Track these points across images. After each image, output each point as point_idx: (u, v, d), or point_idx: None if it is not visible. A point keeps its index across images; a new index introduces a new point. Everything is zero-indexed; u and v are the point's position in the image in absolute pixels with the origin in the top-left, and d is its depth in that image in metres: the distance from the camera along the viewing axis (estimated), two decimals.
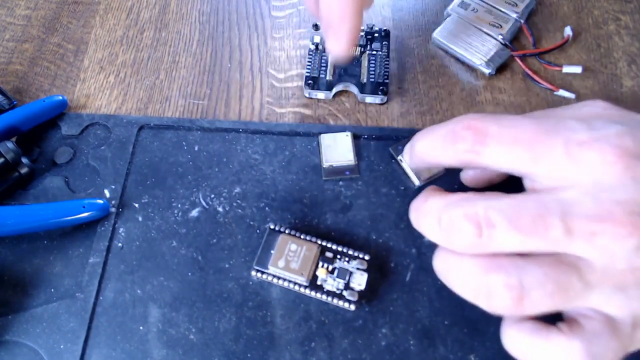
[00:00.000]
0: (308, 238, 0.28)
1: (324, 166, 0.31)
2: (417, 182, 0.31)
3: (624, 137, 0.21)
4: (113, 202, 0.31)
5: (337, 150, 0.32)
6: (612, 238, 0.20)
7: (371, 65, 0.35)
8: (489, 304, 0.22)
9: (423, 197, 0.25)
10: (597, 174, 0.21)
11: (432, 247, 0.29)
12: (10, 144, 0.30)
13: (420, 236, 0.29)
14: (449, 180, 0.31)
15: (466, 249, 0.22)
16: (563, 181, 0.21)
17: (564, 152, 0.21)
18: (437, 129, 0.24)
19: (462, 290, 0.23)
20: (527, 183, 0.23)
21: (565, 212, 0.21)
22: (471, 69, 0.36)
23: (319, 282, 0.27)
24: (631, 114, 0.24)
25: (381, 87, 0.34)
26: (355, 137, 0.32)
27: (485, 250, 0.22)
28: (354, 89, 0.34)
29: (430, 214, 0.23)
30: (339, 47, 0.28)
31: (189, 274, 0.28)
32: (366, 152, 0.32)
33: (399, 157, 0.31)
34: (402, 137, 0.32)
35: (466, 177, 0.29)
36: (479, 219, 0.21)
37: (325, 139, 0.32)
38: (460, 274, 0.23)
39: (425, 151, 0.25)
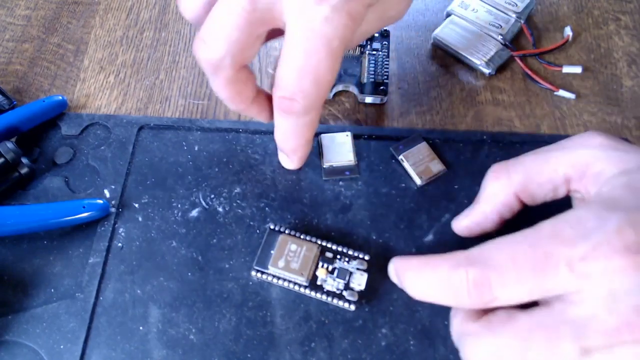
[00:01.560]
0: (308, 238, 0.28)
1: (324, 166, 0.31)
2: (419, 182, 0.31)
3: (624, 232, 0.20)
4: (113, 202, 0.31)
5: (337, 150, 0.32)
6: (632, 346, 0.19)
7: (371, 65, 0.35)
8: None
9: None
10: (608, 283, 0.20)
11: (432, 246, 0.29)
12: (10, 144, 0.30)
13: (420, 236, 0.29)
14: (450, 179, 0.31)
15: None
16: (575, 296, 0.20)
17: (570, 272, 0.20)
18: (427, 273, 0.23)
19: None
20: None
21: (579, 334, 0.20)
22: (471, 69, 0.36)
23: (319, 282, 0.27)
24: (635, 150, 0.23)
25: (381, 87, 0.34)
26: (355, 137, 0.32)
27: None
28: (353, 89, 0.34)
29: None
30: (290, 166, 0.31)
31: (189, 274, 0.28)
32: (366, 152, 0.32)
33: (400, 157, 0.31)
34: (402, 137, 0.32)
35: (459, 227, 0.28)
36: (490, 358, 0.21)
37: (325, 139, 0.32)
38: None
39: (424, 295, 0.23)
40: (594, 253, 0.20)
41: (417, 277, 0.23)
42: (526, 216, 0.25)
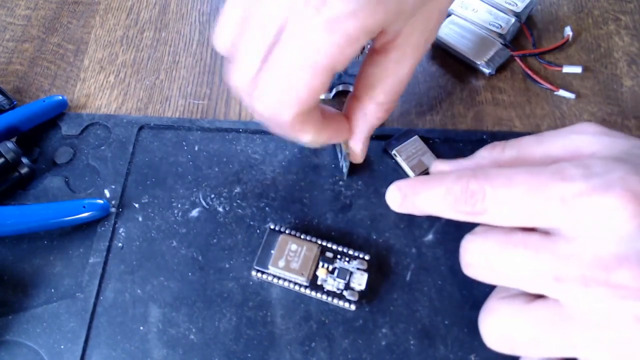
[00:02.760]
0: (308, 238, 0.28)
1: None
2: (412, 175, 0.31)
3: (627, 179, 0.20)
4: (113, 202, 0.31)
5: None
6: (604, 289, 0.20)
7: None
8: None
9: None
10: (598, 222, 0.20)
11: (432, 246, 0.29)
12: (10, 144, 0.30)
13: (420, 236, 0.29)
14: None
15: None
16: (563, 230, 0.21)
17: (562, 205, 0.20)
18: (435, 184, 0.24)
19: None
20: None
21: (556, 261, 0.21)
22: (471, 68, 0.36)
23: (319, 282, 0.27)
24: (626, 138, 0.23)
25: None
26: None
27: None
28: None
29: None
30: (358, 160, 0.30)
31: (189, 274, 0.28)
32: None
33: (393, 152, 0.31)
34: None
35: (435, 167, 0.29)
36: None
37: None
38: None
39: (425, 206, 0.25)
40: (591, 192, 0.20)
41: (424, 188, 0.25)
42: None
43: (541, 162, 0.25)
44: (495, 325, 0.23)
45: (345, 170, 0.31)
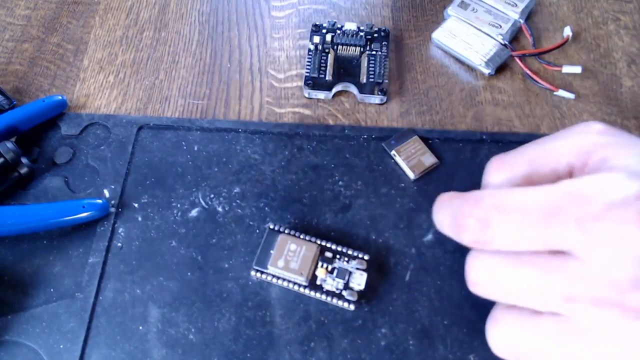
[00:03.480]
0: (307, 238, 0.28)
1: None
2: (412, 176, 0.31)
3: None
4: (113, 202, 0.31)
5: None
6: (617, 312, 0.19)
7: (371, 65, 0.35)
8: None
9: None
10: (614, 247, 0.19)
11: (432, 247, 0.29)
12: (10, 144, 0.30)
13: (420, 236, 0.29)
14: (450, 179, 0.31)
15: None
16: (577, 252, 0.20)
17: (578, 229, 0.20)
18: (445, 206, 0.23)
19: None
20: None
21: (568, 281, 0.20)
22: (471, 69, 0.36)
23: (318, 282, 0.27)
24: (630, 138, 0.22)
25: (381, 87, 0.34)
26: (355, 137, 0.32)
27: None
28: (353, 89, 0.34)
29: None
30: None
31: (189, 274, 0.28)
32: (366, 152, 0.32)
33: (393, 152, 0.31)
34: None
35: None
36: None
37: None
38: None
39: (439, 226, 0.24)
40: (607, 214, 0.19)
41: (437, 208, 0.24)
42: None
43: (553, 173, 0.24)
44: (502, 334, 0.23)
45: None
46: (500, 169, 0.25)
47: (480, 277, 0.22)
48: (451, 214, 0.23)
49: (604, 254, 0.19)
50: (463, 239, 0.22)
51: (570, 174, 0.24)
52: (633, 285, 0.19)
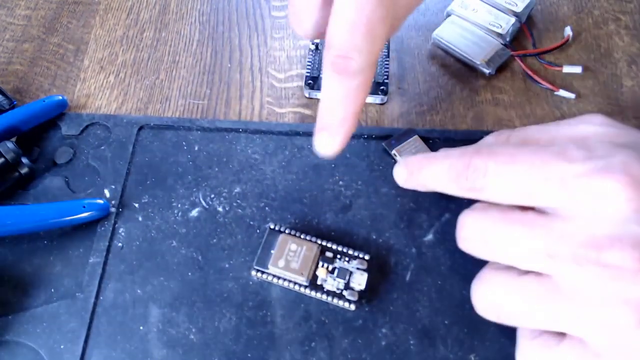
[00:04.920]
0: (308, 238, 0.28)
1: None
2: None
3: (629, 164, 0.20)
4: (113, 202, 0.31)
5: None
6: (595, 268, 0.20)
7: None
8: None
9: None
10: (596, 205, 0.20)
11: (432, 246, 0.29)
12: (10, 144, 0.30)
13: (420, 236, 0.29)
14: None
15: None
16: (559, 211, 0.21)
17: (562, 185, 0.21)
18: (439, 160, 0.25)
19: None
20: None
21: (548, 236, 0.21)
22: (471, 69, 0.36)
23: (319, 282, 0.27)
24: (631, 130, 0.23)
25: (381, 87, 0.34)
26: (355, 137, 0.32)
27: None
28: None
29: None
30: (331, 150, 0.26)
31: (189, 273, 0.28)
32: (366, 152, 0.32)
33: (393, 152, 0.31)
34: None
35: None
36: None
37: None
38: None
39: (429, 181, 0.26)
40: (591, 173, 0.20)
41: (428, 163, 0.26)
42: None
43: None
44: (486, 293, 0.24)
45: None
46: (499, 135, 0.27)
47: (469, 233, 0.24)
48: (450, 163, 0.24)
49: (585, 212, 0.20)
50: (461, 185, 0.24)
51: None
52: (610, 242, 0.20)
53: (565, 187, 0.21)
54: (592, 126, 0.24)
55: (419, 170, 0.26)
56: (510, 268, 0.23)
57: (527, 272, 0.22)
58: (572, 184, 0.21)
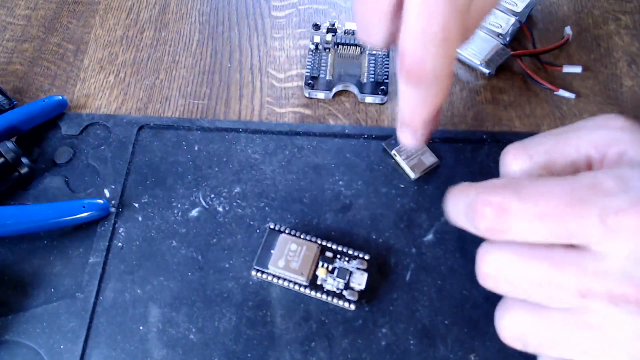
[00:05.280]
0: (308, 238, 0.28)
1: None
2: (412, 175, 0.31)
3: None
4: (113, 202, 0.31)
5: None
6: (633, 310, 0.19)
7: (371, 65, 0.35)
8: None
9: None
10: (635, 244, 0.19)
11: (432, 247, 0.29)
12: (10, 144, 0.30)
13: (420, 236, 0.29)
14: (450, 179, 0.31)
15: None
16: (596, 247, 0.20)
17: (601, 223, 0.19)
18: (459, 197, 0.23)
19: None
20: None
21: (583, 275, 0.19)
22: (471, 69, 0.36)
23: (319, 282, 0.27)
24: None
25: (381, 87, 0.34)
26: (355, 137, 0.32)
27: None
28: (354, 89, 0.34)
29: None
30: (414, 143, 0.27)
31: (189, 274, 0.28)
32: (366, 152, 0.32)
33: (393, 152, 0.31)
34: None
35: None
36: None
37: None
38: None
39: (452, 218, 0.23)
40: (630, 209, 0.19)
41: (452, 198, 0.23)
42: None
43: (572, 165, 0.23)
44: (512, 323, 0.22)
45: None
46: (518, 157, 0.24)
47: (492, 271, 0.21)
48: (468, 202, 0.22)
49: (624, 249, 0.19)
50: (479, 226, 0.21)
51: (588, 167, 0.23)
52: None
53: (604, 224, 0.19)
54: (613, 131, 0.22)
55: (446, 205, 0.24)
56: None
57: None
58: (611, 222, 0.19)
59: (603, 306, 0.20)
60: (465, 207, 0.22)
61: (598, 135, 0.23)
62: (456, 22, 0.22)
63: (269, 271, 0.27)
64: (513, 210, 0.20)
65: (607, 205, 0.19)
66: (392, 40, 0.24)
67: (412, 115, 0.26)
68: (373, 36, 0.25)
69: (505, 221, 0.20)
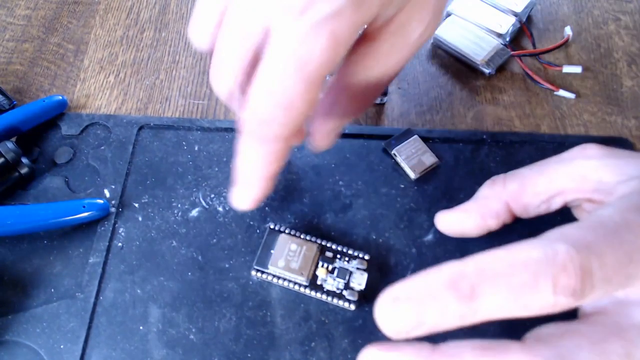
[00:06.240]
0: (308, 238, 0.28)
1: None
2: (412, 175, 0.31)
3: None
4: (113, 202, 0.31)
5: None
6: None
7: None
8: None
9: None
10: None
11: (432, 246, 0.29)
12: (10, 144, 0.30)
13: (420, 236, 0.29)
14: (450, 179, 0.31)
15: None
16: None
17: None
18: (434, 276, 0.20)
19: None
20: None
21: (628, 339, 0.19)
22: (471, 69, 0.36)
23: (319, 282, 0.27)
24: (630, 157, 0.22)
25: None
26: (355, 137, 0.32)
27: None
28: None
29: None
30: (245, 204, 0.25)
31: (189, 273, 0.28)
32: (366, 152, 0.32)
33: (393, 152, 0.31)
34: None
35: (439, 219, 0.28)
36: None
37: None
38: None
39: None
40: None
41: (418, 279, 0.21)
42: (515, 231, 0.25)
43: (544, 193, 0.24)
44: None
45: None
46: (494, 182, 0.26)
47: None
48: (432, 283, 0.19)
49: None
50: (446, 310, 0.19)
51: (563, 195, 0.24)
52: None
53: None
54: (589, 161, 0.23)
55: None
56: None
57: None
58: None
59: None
60: (433, 298, 0.19)
61: (573, 166, 0.24)
62: (302, 91, 0.20)
63: (268, 271, 0.27)
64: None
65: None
66: (241, 92, 0.23)
67: (248, 171, 0.24)
68: (221, 86, 0.23)
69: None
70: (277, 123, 0.21)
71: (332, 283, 0.27)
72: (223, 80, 0.22)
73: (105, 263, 0.29)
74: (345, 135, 0.33)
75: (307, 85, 0.20)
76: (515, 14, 0.36)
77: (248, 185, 0.24)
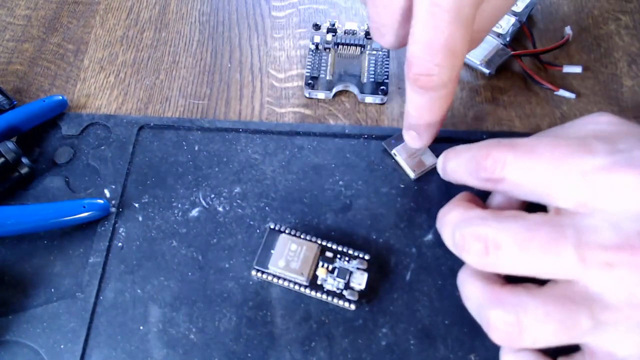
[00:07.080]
0: (308, 238, 0.28)
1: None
2: (412, 175, 0.31)
3: None
4: (113, 202, 0.31)
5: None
6: (630, 271, 0.19)
7: (371, 65, 0.35)
8: (490, 334, 0.22)
9: (448, 207, 0.25)
10: (620, 201, 0.19)
11: (432, 246, 0.29)
12: (10, 144, 0.30)
13: (420, 236, 0.29)
14: None
15: (476, 266, 0.22)
16: (583, 207, 0.20)
17: (583, 178, 0.20)
18: (462, 153, 0.25)
19: (470, 310, 0.24)
20: (549, 208, 0.23)
21: (580, 240, 0.20)
22: (471, 68, 0.36)
23: (319, 282, 0.27)
24: (633, 127, 0.23)
25: (381, 87, 0.34)
26: (355, 137, 0.32)
27: (494, 270, 0.22)
28: (354, 89, 0.34)
29: (447, 227, 0.24)
30: (418, 145, 0.29)
31: (189, 273, 0.28)
32: (366, 151, 0.32)
33: (393, 151, 0.31)
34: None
35: (491, 203, 0.28)
36: (487, 240, 0.21)
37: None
38: (469, 296, 0.24)
39: (453, 173, 0.26)
40: (612, 167, 0.20)
41: (454, 155, 0.26)
42: None
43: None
44: (507, 318, 0.21)
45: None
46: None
47: (502, 243, 0.21)
48: (471, 155, 0.24)
49: (608, 208, 0.20)
50: (479, 176, 0.23)
51: None
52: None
53: (586, 180, 0.20)
54: (602, 126, 0.23)
55: (445, 163, 0.26)
56: (520, 284, 0.22)
57: (545, 284, 0.21)
58: (592, 178, 0.20)
59: (599, 273, 0.20)
60: (468, 160, 0.24)
61: (588, 131, 0.24)
62: (461, 34, 0.23)
63: (268, 271, 0.27)
64: (508, 162, 0.22)
65: (589, 162, 0.20)
66: (404, 42, 0.25)
67: (417, 118, 0.27)
68: (385, 38, 0.26)
69: (501, 172, 0.22)
70: (439, 69, 0.23)
71: (332, 283, 0.27)
72: (384, 32, 0.25)
73: (105, 263, 0.29)
74: (345, 135, 0.33)
75: (465, 27, 0.22)
76: (515, 14, 0.36)
77: (419, 129, 0.28)
